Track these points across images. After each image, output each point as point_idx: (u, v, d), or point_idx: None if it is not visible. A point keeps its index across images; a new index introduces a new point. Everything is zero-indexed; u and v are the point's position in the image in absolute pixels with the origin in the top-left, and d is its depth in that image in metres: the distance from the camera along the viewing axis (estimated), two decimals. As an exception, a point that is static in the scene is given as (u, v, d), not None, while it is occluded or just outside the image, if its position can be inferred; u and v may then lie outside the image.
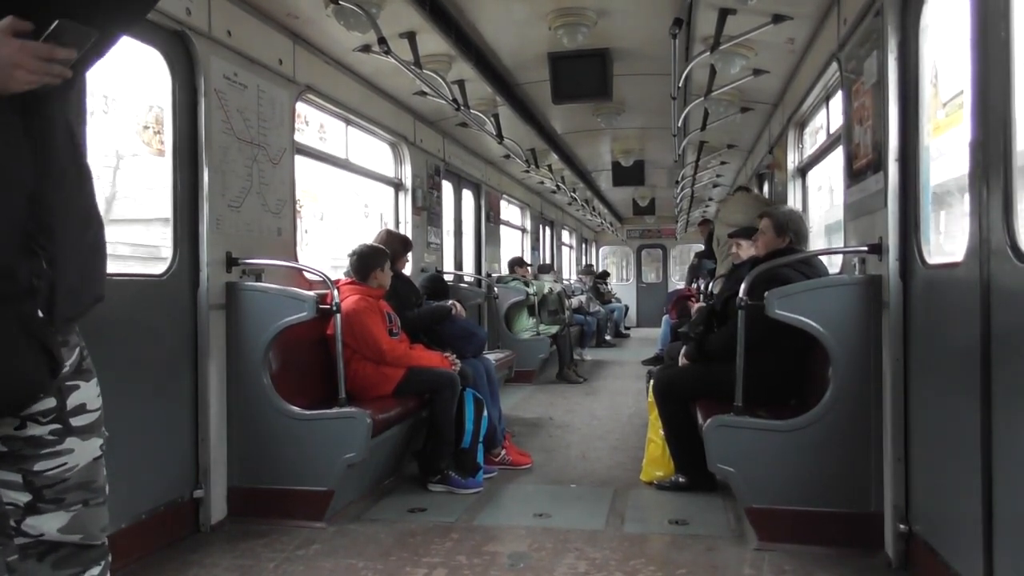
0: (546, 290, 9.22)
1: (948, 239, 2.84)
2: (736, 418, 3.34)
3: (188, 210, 3.48)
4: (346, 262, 4.49)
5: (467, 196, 8.39)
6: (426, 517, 3.72)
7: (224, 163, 3.63)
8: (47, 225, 1.36)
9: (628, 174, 9.26)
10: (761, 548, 3.19)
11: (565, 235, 15.40)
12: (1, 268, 1.30)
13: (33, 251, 1.34)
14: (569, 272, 15.70)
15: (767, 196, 6.81)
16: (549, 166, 8.85)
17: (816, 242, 5.72)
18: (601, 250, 19.54)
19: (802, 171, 5.67)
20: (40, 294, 1.35)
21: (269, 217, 4.00)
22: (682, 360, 4.25)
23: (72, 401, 1.51)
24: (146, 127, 3.58)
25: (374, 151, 5.96)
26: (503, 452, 4.63)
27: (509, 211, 10.57)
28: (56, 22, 1.31)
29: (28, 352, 1.35)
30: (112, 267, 1.72)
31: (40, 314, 1.36)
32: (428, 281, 5.87)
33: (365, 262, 4.32)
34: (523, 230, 11.51)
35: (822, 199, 5.79)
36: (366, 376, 4.13)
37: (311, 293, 3.67)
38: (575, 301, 11.29)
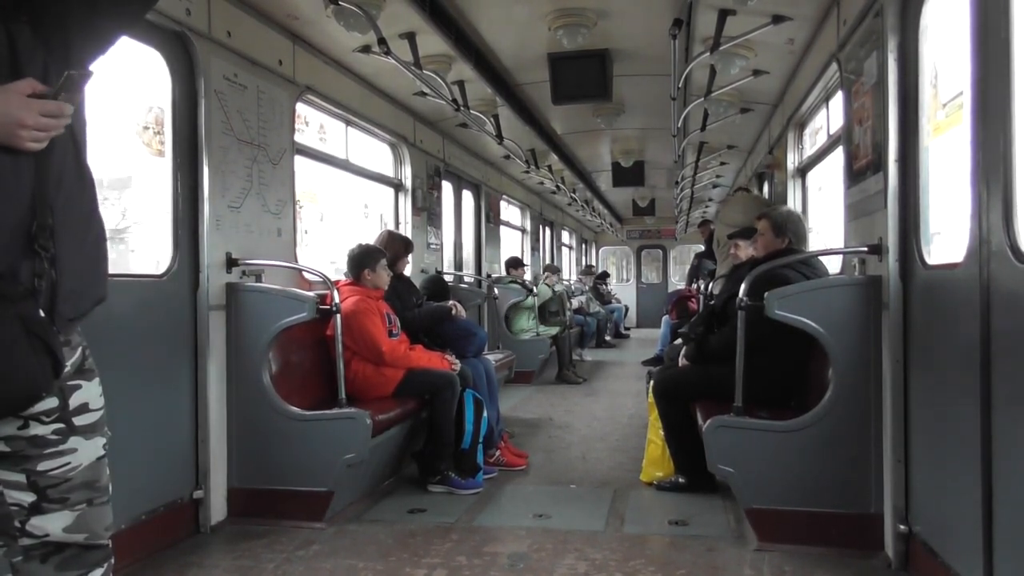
0: (549, 293, 9.22)
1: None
2: (736, 419, 3.34)
3: (188, 211, 3.48)
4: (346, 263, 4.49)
5: (467, 197, 8.38)
6: (426, 518, 3.72)
7: (224, 164, 3.63)
8: (48, 226, 1.36)
9: (628, 175, 9.26)
10: (761, 549, 3.20)
11: (565, 236, 15.40)
12: (3, 268, 1.30)
13: (35, 251, 1.34)
14: (569, 273, 15.70)
15: (767, 197, 6.81)
16: (549, 167, 8.85)
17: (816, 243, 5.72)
18: (601, 251, 19.54)
19: (802, 171, 5.67)
20: (42, 294, 1.36)
21: (269, 218, 4.00)
22: (682, 361, 4.25)
23: (75, 400, 1.51)
24: (146, 128, 3.57)
25: (374, 152, 5.96)
26: (497, 453, 4.63)
27: (509, 212, 10.57)
28: (65, 75, 1.31)
29: (30, 352, 1.35)
30: (112, 267, 1.72)
31: (42, 314, 1.36)
32: (428, 282, 5.88)
33: (355, 262, 4.34)
34: (523, 231, 11.51)
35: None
36: (366, 377, 4.13)
37: (311, 294, 3.68)
38: (575, 302, 11.29)
